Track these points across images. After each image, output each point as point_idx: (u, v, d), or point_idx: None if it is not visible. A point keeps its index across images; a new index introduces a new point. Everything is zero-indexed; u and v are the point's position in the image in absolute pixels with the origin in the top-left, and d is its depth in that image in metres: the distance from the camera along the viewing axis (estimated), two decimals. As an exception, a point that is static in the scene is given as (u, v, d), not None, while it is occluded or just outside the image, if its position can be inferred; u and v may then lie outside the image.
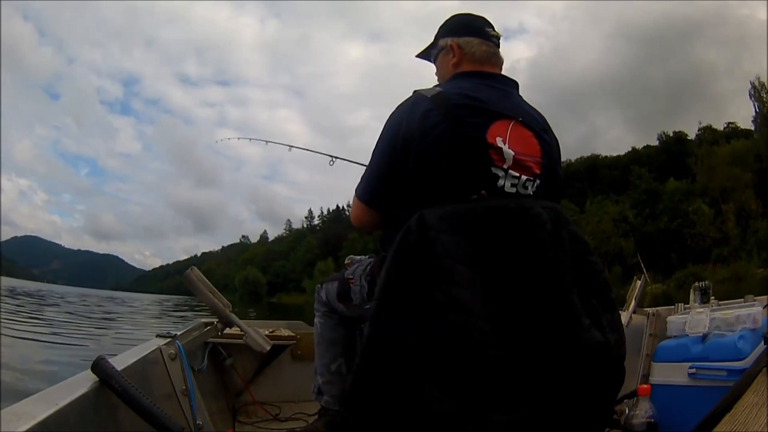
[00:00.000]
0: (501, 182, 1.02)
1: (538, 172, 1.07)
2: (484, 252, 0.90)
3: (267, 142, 2.89)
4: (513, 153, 1.03)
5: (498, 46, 1.23)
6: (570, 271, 0.93)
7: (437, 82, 1.28)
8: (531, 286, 0.90)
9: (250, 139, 3.02)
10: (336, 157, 2.12)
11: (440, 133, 1.02)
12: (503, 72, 1.23)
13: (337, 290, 1.47)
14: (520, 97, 1.19)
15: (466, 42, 1.20)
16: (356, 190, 1.25)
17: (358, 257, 1.49)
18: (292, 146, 2.62)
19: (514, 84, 1.20)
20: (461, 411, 0.83)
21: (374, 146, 1.18)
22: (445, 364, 0.85)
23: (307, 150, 2.64)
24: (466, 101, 1.06)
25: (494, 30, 1.23)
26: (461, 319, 0.85)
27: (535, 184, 1.07)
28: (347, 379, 1.48)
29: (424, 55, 1.37)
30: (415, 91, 1.14)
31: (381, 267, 1.28)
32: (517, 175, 1.04)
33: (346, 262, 1.52)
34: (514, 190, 1.04)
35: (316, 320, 1.60)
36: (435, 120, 1.03)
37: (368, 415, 0.91)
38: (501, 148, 1.03)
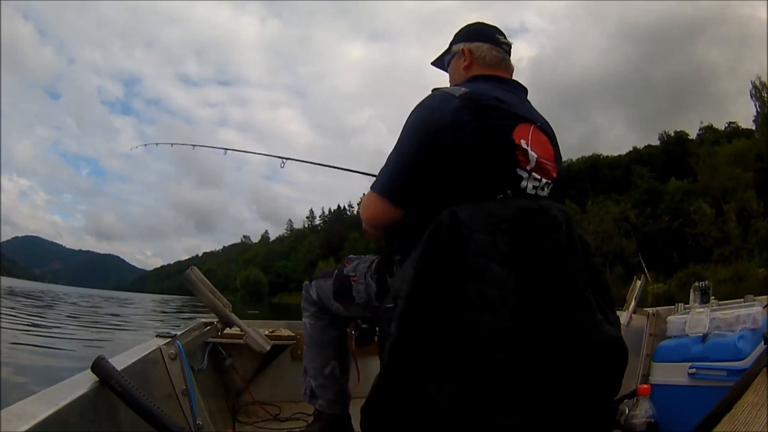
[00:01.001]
0: (524, 183, 1.04)
1: (554, 176, 1.10)
2: (516, 252, 0.90)
3: (194, 146, 2.64)
4: (536, 155, 1.06)
5: (509, 54, 1.26)
6: (583, 271, 0.96)
7: (450, 84, 1.31)
8: (553, 286, 0.92)
9: (172, 145, 2.81)
10: (287, 158, 2.08)
11: (471, 132, 1.03)
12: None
13: (333, 288, 1.42)
14: (529, 102, 1.22)
15: (476, 47, 1.24)
16: (374, 186, 1.19)
17: (356, 256, 1.46)
18: (227, 149, 2.53)
19: (525, 90, 1.23)
20: (485, 411, 0.84)
21: (397, 141, 1.15)
22: (475, 364, 0.85)
23: (250, 152, 2.54)
24: (493, 102, 1.08)
25: (505, 38, 1.27)
26: (492, 318, 0.85)
27: (550, 188, 1.09)
28: (341, 382, 1.46)
29: (438, 62, 1.40)
30: (435, 89, 1.14)
31: (388, 265, 1.29)
32: (539, 177, 1.06)
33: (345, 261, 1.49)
34: (534, 192, 1.06)
35: (305, 320, 1.54)
36: (466, 118, 1.04)
37: (392, 416, 0.90)
38: (526, 150, 1.05)
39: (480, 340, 0.85)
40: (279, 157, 2.07)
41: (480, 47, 1.24)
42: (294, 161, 2.08)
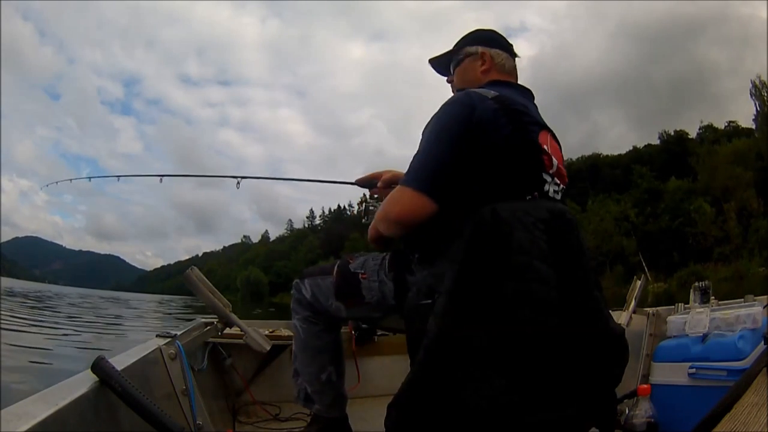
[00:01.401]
0: (547, 187, 1.09)
1: (566, 181, 1.16)
2: (553, 250, 0.93)
3: (71, 180, 2.74)
4: (556, 161, 1.12)
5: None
6: (591, 271, 1.00)
7: (458, 84, 1.32)
8: (580, 282, 0.95)
9: (71, 180, 2.92)
10: (242, 177, 1.89)
11: (508, 134, 1.07)
12: None
13: (336, 286, 1.34)
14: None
15: (497, 53, 1.29)
16: (408, 182, 1.11)
17: (360, 252, 1.41)
18: (120, 176, 2.34)
19: (534, 97, 1.27)
20: (529, 404, 0.86)
21: (429, 134, 1.13)
22: (517, 359, 0.86)
23: (188, 176, 2.35)
24: (522, 108, 1.12)
25: (514, 49, 1.33)
26: (534, 315, 0.87)
27: (562, 192, 1.15)
28: (338, 386, 1.42)
29: (439, 61, 1.38)
30: (465, 90, 1.16)
31: (404, 262, 1.25)
32: (558, 182, 1.12)
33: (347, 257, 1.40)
34: (553, 195, 1.11)
35: (296, 324, 1.44)
36: (503, 120, 1.07)
37: (431, 411, 0.90)
38: (550, 155, 1.11)
39: (525, 336, 0.87)
40: (234, 177, 1.91)
41: (500, 54, 1.28)
42: (250, 179, 1.94)
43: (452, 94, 1.36)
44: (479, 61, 1.28)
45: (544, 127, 1.14)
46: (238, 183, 1.91)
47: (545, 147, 1.10)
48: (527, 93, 1.26)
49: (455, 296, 0.90)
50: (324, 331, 1.43)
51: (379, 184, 1.55)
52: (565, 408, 0.88)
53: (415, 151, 1.17)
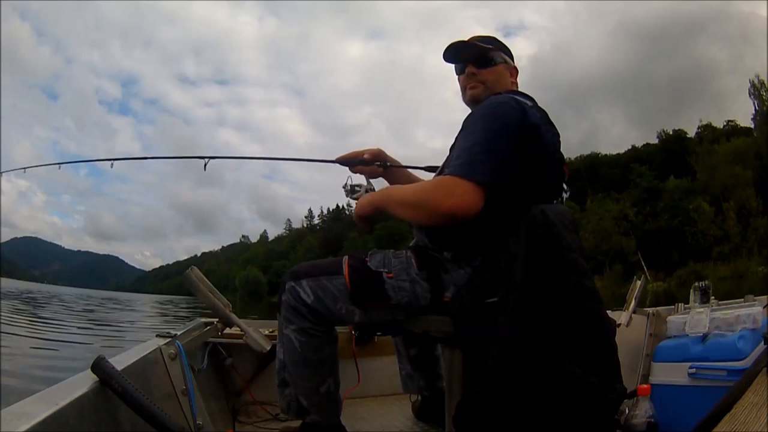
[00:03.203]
0: (563, 193, 1.26)
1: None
2: (582, 248, 1.04)
3: (60, 165, 2.19)
4: (566, 170, 1.26)
5: None
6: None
7: (490, 82, 1.32)
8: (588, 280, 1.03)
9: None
10: (209, 157, 1.78)
11: (549, 141, 1.18)
12: None
13: (353, 287, 1.20)
14: None
15: (516, 73, 1.39)
16: (466, 173, 1.06)
17: (377, 250, 1.30)
18: (114, 159, 2.00)
19: None
20: (605, 383, 0.97)
21: (485, 128, 1.11)
22: (588, 346, 0.97)
23: (145, 158, 2.07)
24: (550, 119, 1.23)
25: None
26: (593, 305, 0.99)
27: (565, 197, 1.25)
28: (337, 395, 1.33)
29: (464, 49, 1.32)
30: (506, 94, 1.23)
31: (430, 260, 1.20)
32: (567, 189, 1.21)
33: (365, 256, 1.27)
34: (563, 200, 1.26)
35: (290, 335, 1.26)
36: (545, 127, 1.18)
37: (506, 405, 0.98)
38: (566, 165, 1.26)
39: (588, 325, 0.98)
40: (201, 158, 1.77)
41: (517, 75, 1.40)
42: (218, 158, 1.80)
43: (458, 88, 1.39)
44: (508, 72, 1.36)
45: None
46: (206, 164, 1.77)
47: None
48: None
49: (526, 292, 0.98)
50: (325, 343, 1.28)
51: (366, 156, 1.52)
52: (620, 382, 1.01)
53: (457, 144, 1.17)
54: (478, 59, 1.32)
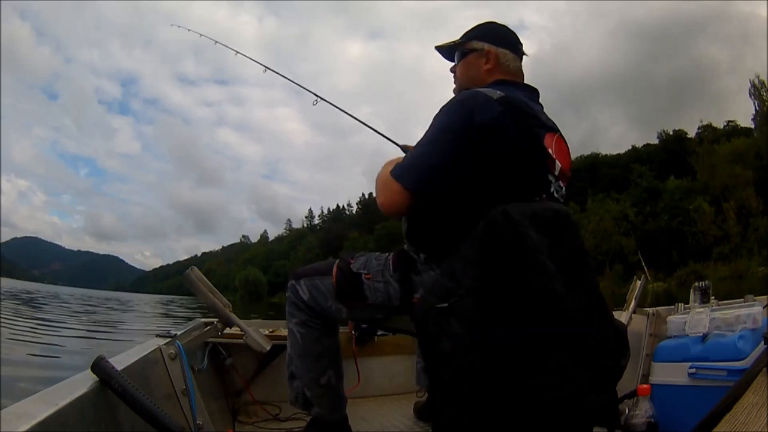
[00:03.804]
0: (552, 188, 1.12)
1: (568, 183, 1.18)
2: (556, 249, 0.94)
3: (236, 52, 2.38)
4: (560, 165, 1.13)
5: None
6: (593, 271, 1.02)
7: (461, 78, 1.31)
8: (580, 282, 0.96)
9: (200, 35, 2.52)
10: (321, 98, 1.92)
11: (513, 136, 1.08)
12: None
13: (337, 287, 1.30)
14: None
15: (503, 53, 1.26)
16: (399, 176, 1.13)
17: (362, 252, 1.39)
18: (268, 68, 2.18)
19: (539, 95, 1.26)
20: (574, 394, 0.87)
21: (428, 135, 1.13)
22: (555, 353, 0.87)
23: (288, 79, 2.20)
24: (528, 110, 1.12)
25: (523, 48, 1.30)
26: (558, 311, 0.89)
27: (563, 193, 1.17)
28: (338, 388, 1.41)
29: (445, 49, 1.36)
30: (471, 89, 1.15)
31: (409, 262, 1.25)
32: (561, 184, 1.14)
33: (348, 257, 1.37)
34: (557, 196, 1.13)
35: (292, 327, 1.39)
36: (507, 122, 1.07)
37: (478, 411, 0.90)
38: (554, 159, 1.12)
39: (555, 332, 0.88)
40: (314, 94, 1.92)
41: (506, 55, 1.26)
42: (327, 102, 1.92)
43: (453, 85, 1.36)
44: (483, 59, 1.26)
45: (552, 129, 1.15)
46: (315, 101, 1.92)
47: (550, 150, 1.11)
48: (534, 93, 1.24)
49: (481, 297, 0.90)
50: (323, 334, 1.38)
51: None
52: (604, 390, 0.93)
53: (418, 141, 1.17)
54: (451, 58, 1.35)
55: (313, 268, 1.39)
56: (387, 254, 1.31)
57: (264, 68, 2.07)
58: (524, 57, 1.30)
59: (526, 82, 1.29)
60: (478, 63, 1.27)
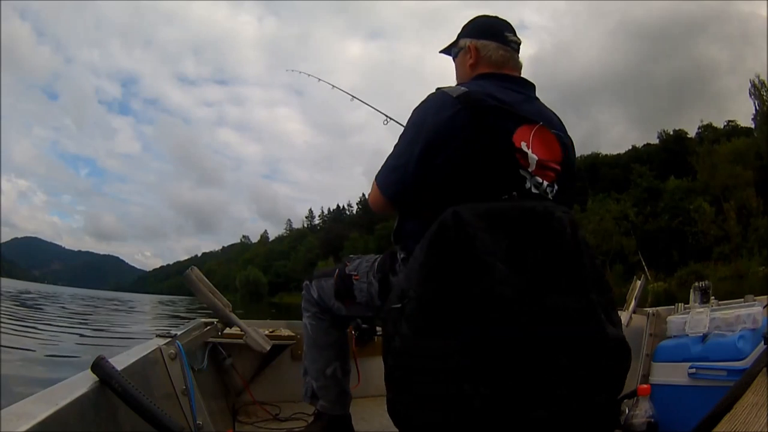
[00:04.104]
0: (527, 185, 1.04)
1: (558, 176, 1.09)
2: (519, 252, 0.89)
3: (353, 97, 2.54)
4: (537, 158, 1.05)
5: (517, 51, 1.24)
6: (589, 273, 0.95)
7: (456, 79, 1.31)
8: (557, 286, 0.90)
9: (318, 80, 2.80)
10: (390, 118, 1.97)
11: (470, 136, 1.03)
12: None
13: (335, 287, 1.43)
14: (538, 99, 1.20)
15: (483, 45, 1.22)
16: (377, 177, 1.23)
17: (358, 255, 1.48)
18: (354, 96, 2.45)
19: (532, 87, 1.21)
20: (506, 406, 0.83)
21: (399, 138, 1.18)
22: (490, 362, 0.84)
23: (366, 104, 2.39)
24: (493, 103, 1.06)
25: (514, 35, 1.24)
26: (503, 316, 0.85)
27: (554, 189, 1.09)
28: (343, 383, 1.48)
29: (447, 51, 1.37)
30: (438, 89, 1.14)
31: (391, 264, 1.30)
32: (540, 180, 1.06)
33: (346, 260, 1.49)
34: (538, 192, 1.06)
35: (305, 321, 1.55)
36: (463, 121, 1.04)
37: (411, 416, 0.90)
38: (526, 153, 1.04)
39: (498, 338, 0.85)
40: (385, 115, 1.98)
41: (487, 46, 1.22)
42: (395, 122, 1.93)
43: None
44: (467, 55, 1.25)
45: (528, 120, 1.07)
46: (386, 121, 1.97)
47: (522, 144, 1.04)
48: (518, 82, 1.19)
49: (423, 300, 0.88)
50: (331, 327, 1.52)
51: None
52: (535, 409, 0.85)
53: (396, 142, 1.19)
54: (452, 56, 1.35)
55: (323, 271, 1.53)
56: (377, 256, 1.38)
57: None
58: (521, 46, 1.25)
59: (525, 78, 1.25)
60: (464, 60, 1.26)
